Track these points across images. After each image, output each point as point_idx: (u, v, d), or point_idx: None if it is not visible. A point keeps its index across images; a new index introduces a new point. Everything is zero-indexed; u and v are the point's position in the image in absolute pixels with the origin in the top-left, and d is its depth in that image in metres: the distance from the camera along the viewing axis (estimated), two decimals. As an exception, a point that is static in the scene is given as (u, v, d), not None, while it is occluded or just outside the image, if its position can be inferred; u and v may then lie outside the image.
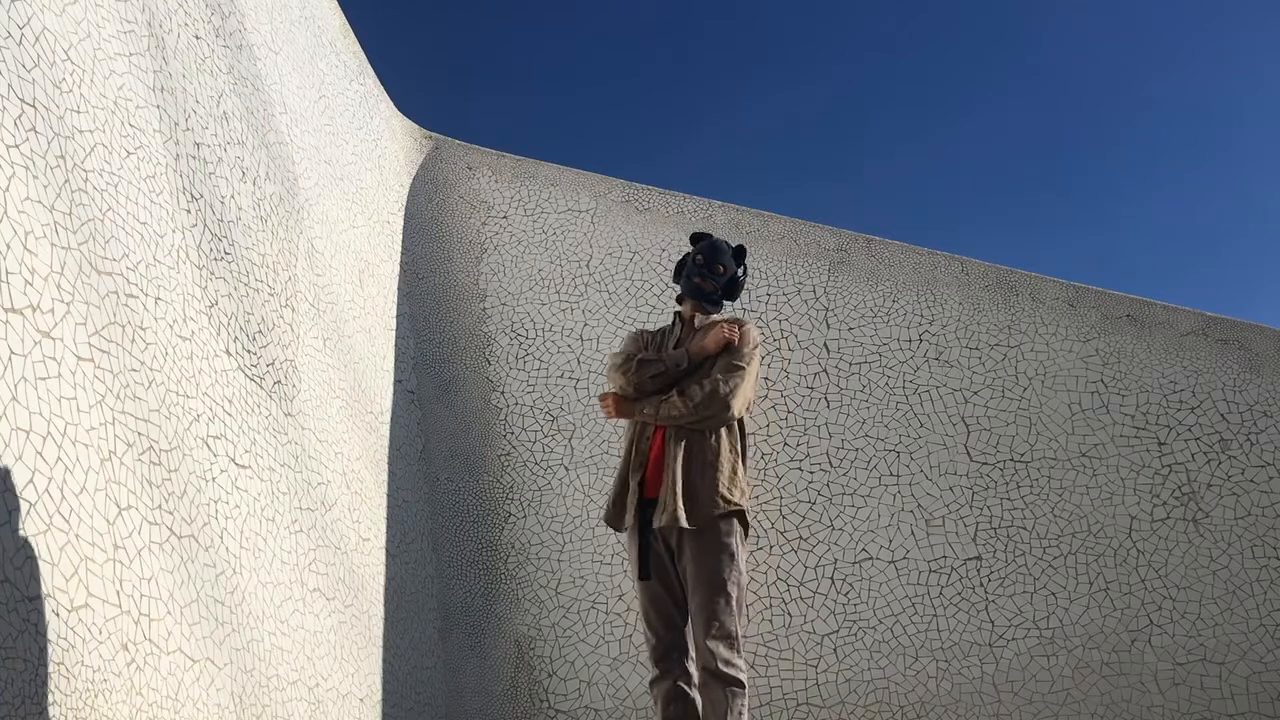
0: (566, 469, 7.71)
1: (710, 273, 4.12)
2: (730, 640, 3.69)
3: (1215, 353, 7.37)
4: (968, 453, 7.41)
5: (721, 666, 3.65)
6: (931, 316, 7.73)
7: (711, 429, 3.92)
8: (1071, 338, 7.55)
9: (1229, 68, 18.70)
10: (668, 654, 3.88)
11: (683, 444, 3.90)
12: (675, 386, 3.96)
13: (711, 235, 4.28)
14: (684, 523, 3.78)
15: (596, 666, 7.28)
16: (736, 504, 3.88)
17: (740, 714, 3.65)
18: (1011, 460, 7.35)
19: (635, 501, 3.96)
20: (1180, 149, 19.73)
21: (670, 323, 4.22)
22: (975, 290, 7.76)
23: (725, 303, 4.29)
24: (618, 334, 7.98)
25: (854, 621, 7.18)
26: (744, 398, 3.99)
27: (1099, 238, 19.61)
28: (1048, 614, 7.03)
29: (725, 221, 8.22)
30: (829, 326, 7.81)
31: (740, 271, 4.17)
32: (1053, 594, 7.07)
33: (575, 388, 7.91)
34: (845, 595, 7.23)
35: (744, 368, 3.96)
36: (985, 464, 7.37)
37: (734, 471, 3.92)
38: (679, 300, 4.24)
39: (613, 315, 8.06)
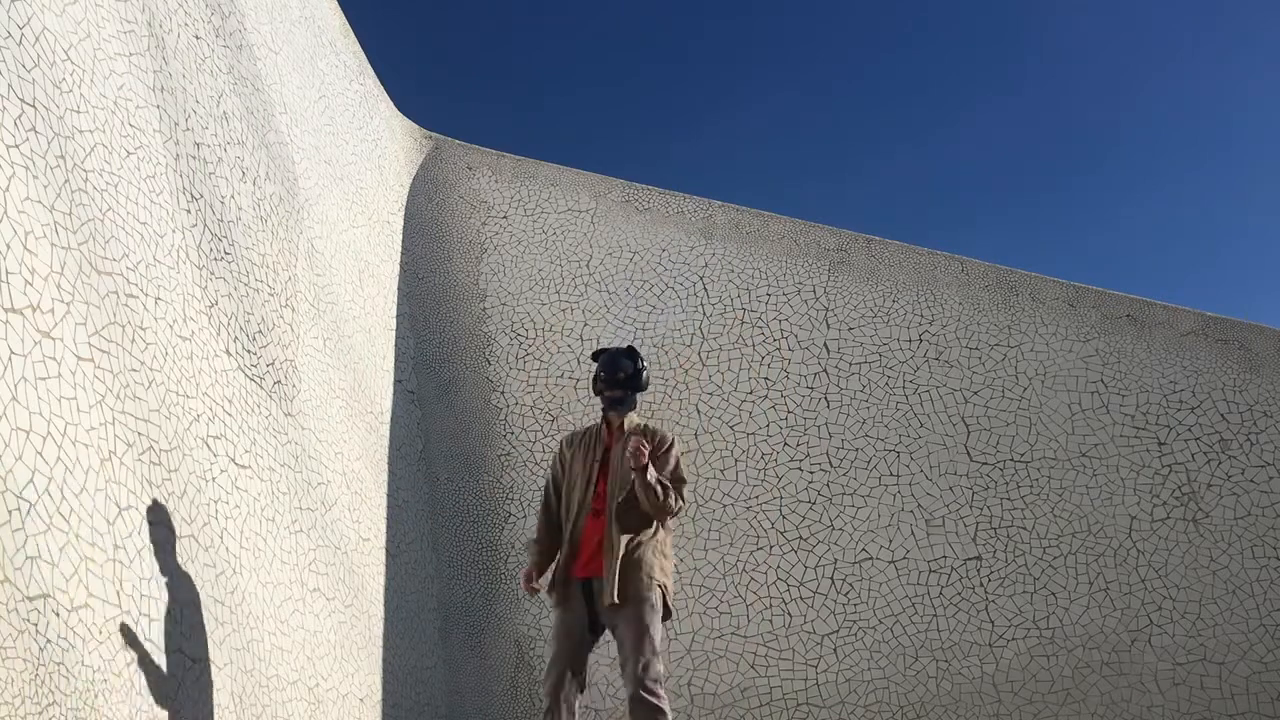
0: (566, 469, 7.71)
1: (612, 383, 4.77)
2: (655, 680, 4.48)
3: (1215, 353, 7.37)
4: (968, 453, 7.41)
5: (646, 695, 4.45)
6: (931, 316, 7.73)
7: (659, 520, 4.68)
8: (1071, 338, 7.55)
9: (1229, 68, 18.70)
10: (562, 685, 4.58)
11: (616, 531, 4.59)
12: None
13: (607, 350, 4.92)
14: (615, 600, 4.52)
15: (596, 666, 7.28)
16: (660, 584, 4.62)
17: None
18: (1011, 460, 7.35)
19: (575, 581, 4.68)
20: (1180, 149, 19.74)
21: (598, 425, 4.88)
22: (975, 290, 7.76)
23: (639, 394, 4.93)
24: (618, 334, 7.99)
25: (854, 621, 7.18)
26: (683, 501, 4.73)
27: (1099, 238, 19.62)
28: (1048, 614, 7.03)
29: (725, 221, 8.22)
30: (829, 326, 7.81)
31: (639, 365, 4.83)
32: (1053, 594, 7.07)
33: (575, 388, 7.91)
34: (845, 595, 7.24)
35: (682, 480, 4.70)
36: (985, 464, 7.37)
37: (661, 555, 4.68)
38: (602, 410, 4.89)
39: (613, 315, 8.06)
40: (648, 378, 4.90)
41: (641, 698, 4.41)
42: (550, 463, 5.12)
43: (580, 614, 4.61)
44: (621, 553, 4.53)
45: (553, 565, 4.82)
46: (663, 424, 7.74)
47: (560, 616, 4.65)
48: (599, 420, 4.91)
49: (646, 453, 4.48)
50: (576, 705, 4.60)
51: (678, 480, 4.66)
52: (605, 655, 7.28)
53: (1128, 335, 7.51)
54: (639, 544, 4.59)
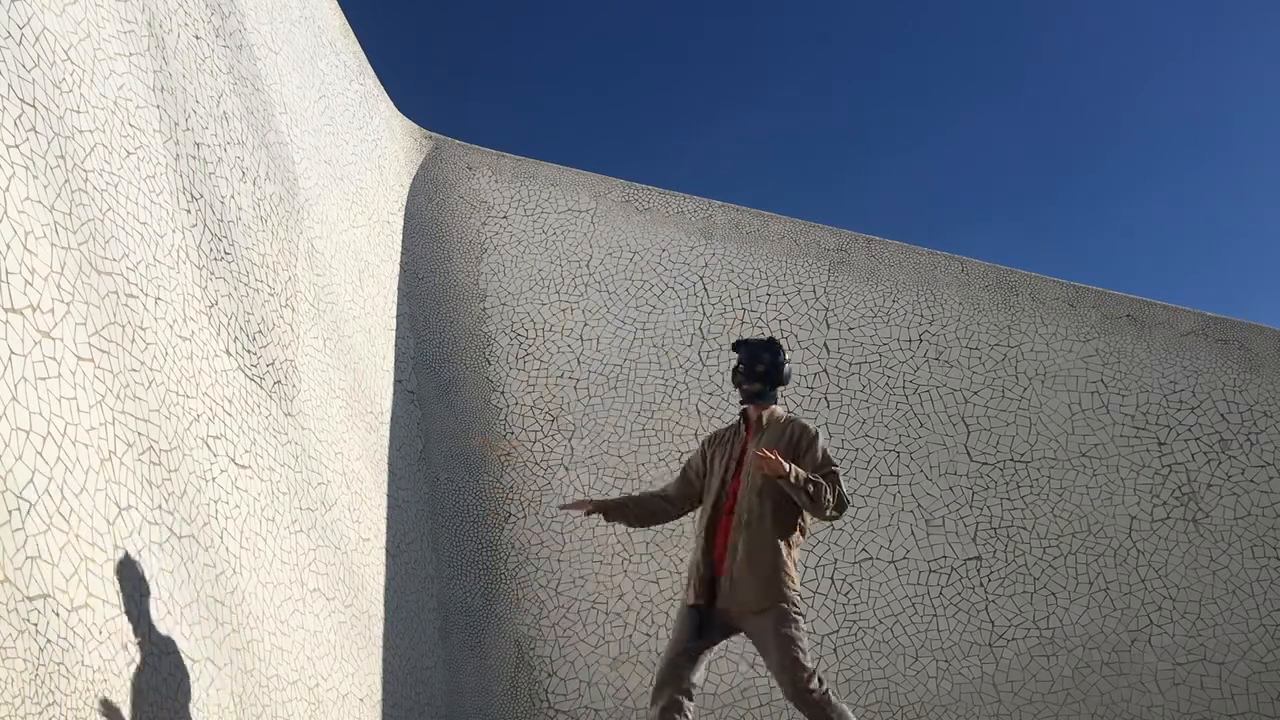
0: (566, 469, 7.71)
1: (752, 376, 4.69)
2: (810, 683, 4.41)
3: (1215, 353, 7.37)
4: (968, 453, 7.41)
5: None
6: (931, 316, 7.73)
7: (820, 518, 4.57)
8: (1071, 338, 7.55)
9: (1228, 69, 18.72)
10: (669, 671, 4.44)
11: (744, 535, 4.50)
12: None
13: (747, 341, 4.82)
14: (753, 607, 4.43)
15: (596, 666, 7.28)
16: (793, 590, 4.50)
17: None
18: (1011, 460, 7.35)
19: (706, 578, 4.54)
20: (1179, 150, 19.75)
21: (737, 422, 4.79)
22: (975, 290, 7.76)
23: (779, 388, 4.80)
24: (618, 334, 7.99)
25: (854, 621, 7.18)
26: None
27: (1099, 238, 19.63)
28: (1048, 614, 7.03)
29: (725, 221, 8.22)
30: (829, 326, 7.81)
31: (780, 358, 4.71)
32: (1053, 594, 7.07)
33: (575, 388, 7.91)
34: (845, 595, 7.23)
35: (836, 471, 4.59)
36: (985, 464, 7.37)
37: (789, 565, 4.54)
38: (742, 404, 4.80)
39: (613, 315, 8.06)
40: (789, 372, 4.78)
41: (812, 708, 4.34)
42: (692, 454, 5.02)
43: (703, 608, 4.50)
44: (746, 557, 4.44)
45: (622, 514, 4.81)
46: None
47: (682, 609, 4.57)
48: (738, 416, 4.80)
49: (773, 459, 4.33)
50: (688, 695, 4.43)
51: (829, 474, 4.49)
52: (605, 655, 7.28)
53: (1128, 335, 7.51)
54: (765, 550, 4.46)
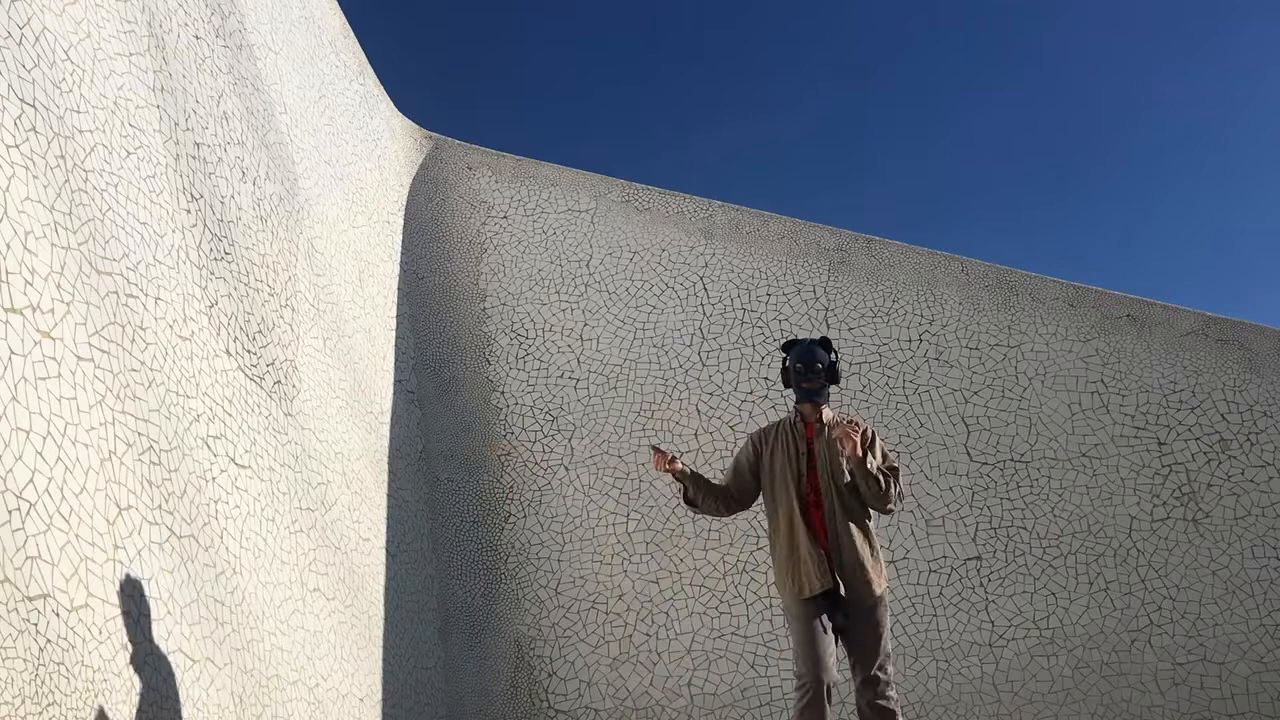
0: (566, 469, 7.71)
1: (811, 374, 4.73)
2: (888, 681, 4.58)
3: (1215, 353, 7.37)
4: (968, 453, 7.41)
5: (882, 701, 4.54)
6: (931, 316, 7.73)
7: (881, 511, 4.68)
8: (1071, 338, 7.55)
9: (1229, 69, 18.72)
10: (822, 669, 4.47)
11: (851, 526, 4.58)
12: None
13: (799, 340, 4.86)
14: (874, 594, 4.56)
15: (596, 666, 7.28)
16: (885, 587, 4.66)
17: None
18: (1011, 460, 7.35)
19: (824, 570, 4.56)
20: (1180, 149, 19.75)
21: (791, 419, 4.80)
22: (975, 290, 7.76)
23: (833, 386, 4.94)
24: (618, 334, 7.99)
25: (854, 621, 7.17)
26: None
27: (1099, 238, 19.64)
28: (1048, 614, 7.03)
29: (725, 221, 8.22)
30: (829, 326, 7.81)
31: (833, 357, 4.80)
32: (1053, 594, 7.07)
33: (575, 388, 7.91)
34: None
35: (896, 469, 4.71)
36: (985, 464, 7.37)
37: (879, 552, 4.71)
38: (796, 403, 4.83)
39: (613, 315, 8.06)
40: (840, 370, 4.84)
41: (878, 707, 4.46)
42: (738, 451, 5.00)
43: (821, 599, 4.51)
44: (855, 551, 4.52)
45: (704, 499, 4.78)
46: (665, 424, 7.74)
47: (802, 610, 4.51)
48: (792, 414, 4.80)
49: (857, 438, 4.41)
50: (833, 690, 4.43)
51: (893, 469, 4.61)
52: (605, 655, 7.28)
53: (1128, 335, 7.51)
54: (868, 543, 4.58)
